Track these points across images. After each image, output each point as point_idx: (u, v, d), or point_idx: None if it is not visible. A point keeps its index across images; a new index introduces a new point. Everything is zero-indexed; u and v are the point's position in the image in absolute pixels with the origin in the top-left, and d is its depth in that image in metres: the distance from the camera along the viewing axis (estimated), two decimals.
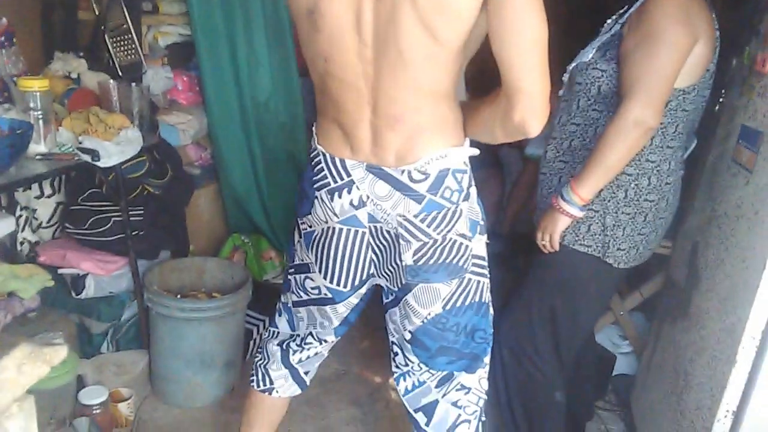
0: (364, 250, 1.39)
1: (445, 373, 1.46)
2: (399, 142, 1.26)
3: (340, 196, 1.33)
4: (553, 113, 1.85)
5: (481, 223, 1.37)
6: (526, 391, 1.88)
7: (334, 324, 1.54)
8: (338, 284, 1.44)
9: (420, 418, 1.51)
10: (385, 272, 1.40)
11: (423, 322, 1.39)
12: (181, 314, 2.08)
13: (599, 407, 2.36)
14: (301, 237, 1.47)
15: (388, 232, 1.33)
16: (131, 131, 2.00)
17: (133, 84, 2.18)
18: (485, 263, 1.41)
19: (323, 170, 1.35)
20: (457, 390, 1.48)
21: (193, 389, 2.19)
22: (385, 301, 1.46)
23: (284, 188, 2.93)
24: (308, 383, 1.66)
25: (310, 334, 1.58)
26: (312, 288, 1.49)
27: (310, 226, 1.44)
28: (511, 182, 3.40)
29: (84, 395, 1.92)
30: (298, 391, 1.66)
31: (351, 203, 1.33)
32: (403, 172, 1.26)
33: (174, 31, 2.68)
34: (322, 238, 1.41)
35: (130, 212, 2.14)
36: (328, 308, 1.50)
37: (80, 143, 1.86)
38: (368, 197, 1.31)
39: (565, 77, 1.76)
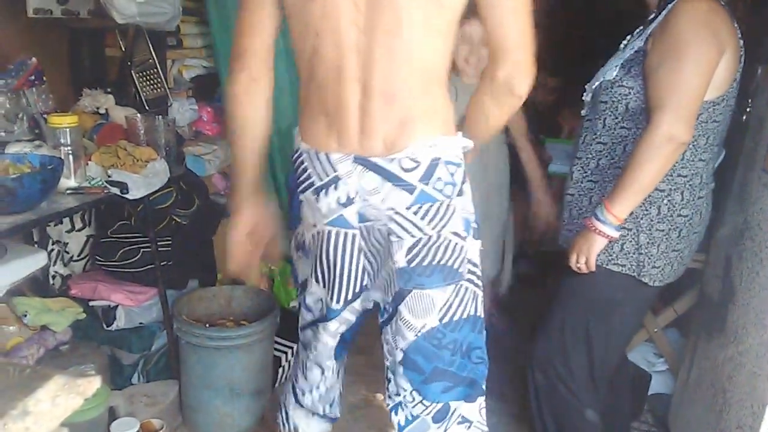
0: (356, 256, 1.30)
1: (441, 405, 1.35)
2: (388, 128, 1.20)
3: (326, 194, 1.26)
4: (576, 132, 1.84)
5: (475, 225, 1.31)
6: (561, 414, 1.84)
7: (328, 344, 1.44)
8: (331, 298, 1.35)
9: None
10: (379, 281, 1.32)
11: (417, 336, 1.29)
12: (210, 343, 2.09)
13: (636, 428, 2.30)
14: (297, 251, 1.41)
15: (379, 231, 1.25)
16: (158, 163, 2.03)
17: (159, 117, 2.23)
18: (479, 272, 1.33)
19: (307, 169, 1.28)
20: (458, 424, 1.37)
21: (222, 419, 2.18)
22: (380, 320, 1.37)
23: None
24: (337, 415, 1.57)
25: (311, 362, 1.50)
26: (315, 302, 1.41)
27: (302, 236, 1.37)
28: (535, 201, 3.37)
29: (116, 427, 1.92)
30: (328, 426, 1.58)
31: (338, 201, 1.25)
32: (392, 160, 1.20)
33: (198, 64, 2.74)
34: (314, 246, 1.33)
35: (159, 243, 2.16)
36: (320, 326, 1.42)
37: (109, 177, 1.90)
38: (356, 193, 1.23)
39: (587, 96, 1.75)
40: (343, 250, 1.30)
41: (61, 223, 2.23)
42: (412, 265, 1.25)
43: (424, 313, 1.28)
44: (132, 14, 1.91)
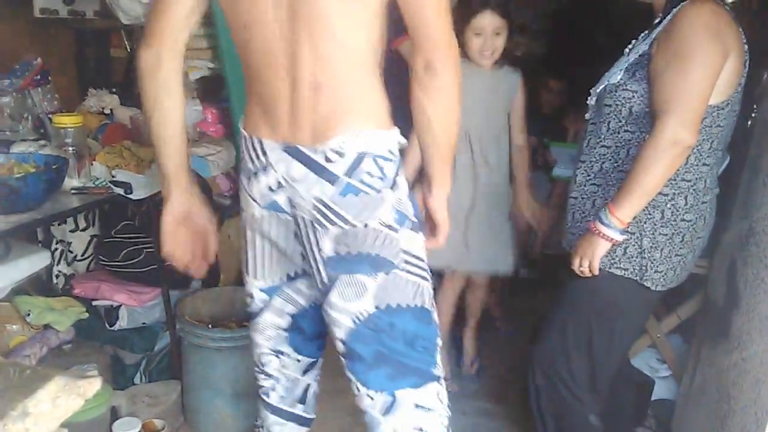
0: (292, 240, 1.34)
1: (387, 396, 1.31)
2: (315, 118, 1.21)
3: (257, 179, 1.30)
4: (580, 135, 1.84)
5: (413, 219, 1.29)
6: (562, 416, 1.84)
7: (280, 325, 1.45)
8: (265, 279, 1.40)
9: None
10: (311, 268, 1.32)
11: (354, 323, 1.27)
12: (212, 344, 2.09)
13: None
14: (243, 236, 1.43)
15: (304, 219, 1.27)
16: None
17: None
18: (424, 265, 1.31)
19: (244, 154, 1.33)
20: (415, 410, 1.33)
21: (224, 420, 2.18)
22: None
23: None
24: (311, 416, 1.57)
25: (266, 355, 1.50)
26: (248, 296, 1.45)
27: (244, 222, 1.40)
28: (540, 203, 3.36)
29: (118, 427, 1.93)
30: (303, 430, 1.57)
31: (268, 186, 1.29)
32: (317, 151, 1.21)
33: (203, 65, 2.73)
34: (251, 231, 1.38)
35: None
36: (265, 309, 1.44)
37: (113, 177, 1.90)
38: (284, 180, 1.26)
39: (591, 100, 1.74)
40: (277, 232, 1.34)
41: (65, 222, 2.24)
42: (340, 253, 1.25)
43: (355, 296, 1.27)
44: (137, 15, 1.92)
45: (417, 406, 1.33)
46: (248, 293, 1.46)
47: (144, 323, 2.23)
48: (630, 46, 1.72)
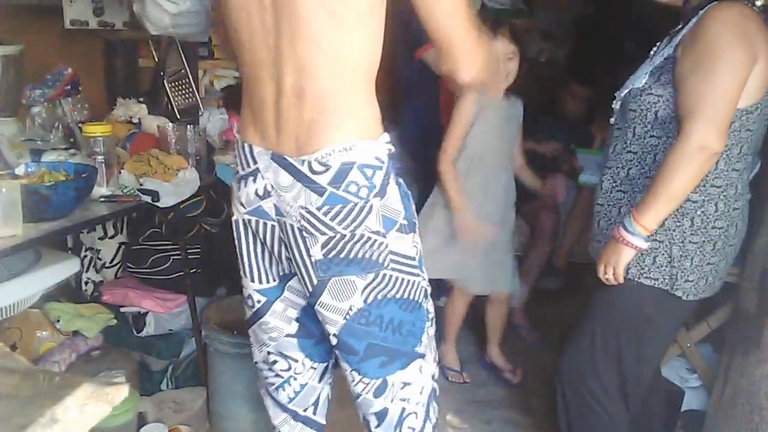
0: (277, 244, 1.34)
1: (379, 381, 1.37)
2: (300, 128, 1.21)
3: (246, 185, 1.31)
4: (606, 141, 1.81)
5: (403, 221, 1.30)
6: (591, 429, 1.80)
7: (284, 330, 1.45)
8: (261, 281, 1.41)
9: (372, 420, 1.43)
10: (298, 272, 1.32)
11: (345, 318, 1.30)
12: (237, 350, 2.10)
13: None
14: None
15: (292, 226, 1.27)
16: (189, 172, 2.05)
17: (190, 126, 2.26)
18: (414, 263, 1.33)
19: (236, 157, 1.35)
20: (402, 389, 1.40)
21: (249, 426, 2.19)
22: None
23: None
24: (322, 423, 1.58)
25: (274, 355, 1.49)
26: (248, 299, 1.46)
27: (237, 227, 1.40)
28: (566, 211, 3.33)
29: None
30: None
31: (256, 193, 1.30)
32: (303, 162, 1.21)
33: (229, 74, 2.77)
34: (239, 235, 1.39)
35: (188, 250, 2.18)
36: (264, 316, 1.44)
37: (141, 185, 1.92)
38: (273, 187, 1.27)
39: (616, 105, 1.72)
40: (263, 236, 1.35)
41: (94, 230, 2.27)
42: (330, 256, 1.27)
43: (346, 296, 1.29)
44: (165, 26, 1.94)
45: (404, 383, 1.39)
46: (247, 296, 1.46)
47: (170, 330, 2.26)
48: (655, 49, 1.69)
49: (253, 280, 1.42)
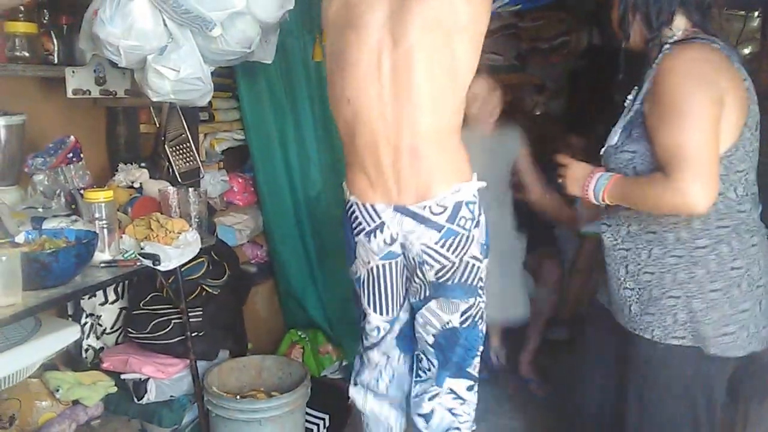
0: (401, 273, 1.69)
1: (440, 388, 1.73)
2: (417, 181, 1.53)
3: (375, 237, 1.62)
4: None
5: (486, 246, 1.64)
6: None
7: (392, 342, 1.79)
8: (388, 314, 1.74)
9: (419, 421, 1.76)
10: (414, 287, 1.68)
11: (443, 328, 1.66)
12: (240, 416, 2.05)
13: None
14: (355, 284, 1.75)
15: (413, 259, 1.60)
16: (190, 234, 2.05)
17: (191, 189, 2.27)
18: (484, 285, 1.67)
19: (358, 217, 1.63)
20: (447, 394, 1.72)
21: None
22: (415, 310, 1.72)
23: (339, 280, 2.92)
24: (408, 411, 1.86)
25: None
26: (371, 330, 1.76)
27: (357, 272, 1.72)
28: (568, 261, 3.31)
29: None
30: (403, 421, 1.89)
31: (385, 241, 1.61)
32: (424, 207, 1.54)
33: (229, 137, 2.81)
34: (369, 278, 1.69)
35: (190, 314, 2.16)
36: (385, 338, 1.79)
37: (142, 249, 1.92)
38: (398, 233, 1.59)
39: (603, 162, 1.65)
40: (392, 274, 1.69)
41: (95, 296, 2.25)
42: (440, 280, 1.62)
43: (449, 312, 1.65)
44: (166, 92, 1.97)
45: (450, 389, 1.72)
46: (373, 327, 1.77)
47: (172, 396, 2.21)
48: (631, 98, 1.64)
49: (381, 314, 1.74)
